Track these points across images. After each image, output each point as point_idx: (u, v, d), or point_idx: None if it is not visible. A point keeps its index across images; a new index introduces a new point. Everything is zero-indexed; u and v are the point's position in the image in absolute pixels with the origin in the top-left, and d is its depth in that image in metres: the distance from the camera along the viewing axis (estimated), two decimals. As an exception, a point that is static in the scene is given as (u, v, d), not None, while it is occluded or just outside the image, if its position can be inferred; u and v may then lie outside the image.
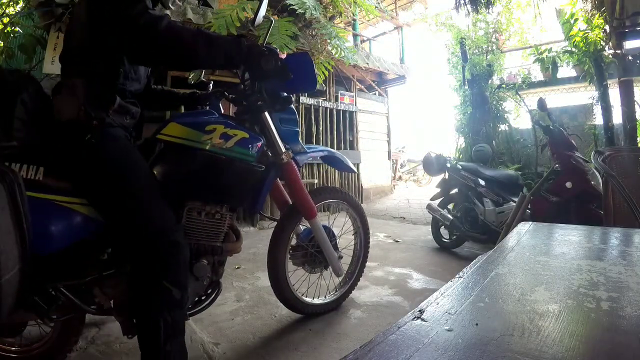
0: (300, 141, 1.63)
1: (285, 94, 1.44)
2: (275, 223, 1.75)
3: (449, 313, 0.46)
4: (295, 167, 1.55)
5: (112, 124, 1.14)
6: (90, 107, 1.07)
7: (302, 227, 1.75)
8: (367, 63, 5.92)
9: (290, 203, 1.70)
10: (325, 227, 1.72)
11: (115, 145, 1.12)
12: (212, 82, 1.77)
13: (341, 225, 2.00)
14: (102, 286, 1.18)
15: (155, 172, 1.24)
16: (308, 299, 1.82)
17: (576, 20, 3.90)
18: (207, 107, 1.57)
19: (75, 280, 1.14)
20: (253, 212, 1.50)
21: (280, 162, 1.46)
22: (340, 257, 1.78)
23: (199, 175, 1.26)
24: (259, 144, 1.37)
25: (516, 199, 2.57)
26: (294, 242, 1.75)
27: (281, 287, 1.68)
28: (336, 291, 1.95)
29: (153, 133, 1.27)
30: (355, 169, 1.99)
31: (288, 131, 1.54)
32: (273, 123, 1.45)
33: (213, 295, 1.37)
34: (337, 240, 1.81)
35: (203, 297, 1.36)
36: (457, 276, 0.60)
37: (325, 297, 1.90)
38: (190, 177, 1.26)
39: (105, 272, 1.17)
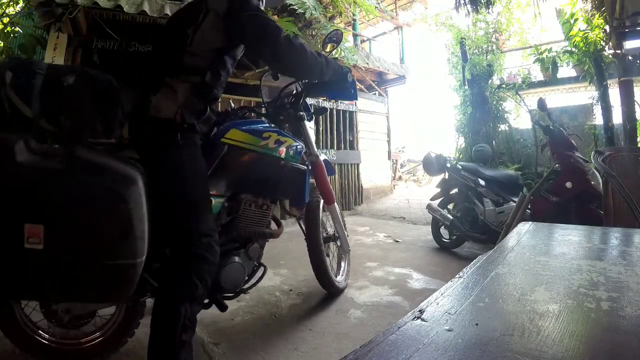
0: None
1: (322, 106, 1.79)
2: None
3: (449, 313, 0.46)
4: (324, 164, 1.88)
5: (198, 131, 1.26)
6: (186, 112, 1.20)
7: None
8: (367, 63, 5.91)
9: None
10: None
11: (196, 152, 1.25)
12: (230, 101, 2.16)
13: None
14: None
15: (220, 171, 1.42)
16: (337, 280, 2.08)
17: (576, 20, 3.90)
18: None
19: (152, 263, 1.22)
20: (301, 205, 1.81)
21: (316, 159, 1.81)
22: (347, 236, 2.11)
23: (257, 173, 1.50)
24: (301, 148, 1.69)
25: (516, 199, 2.57)
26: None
27: (324, 271, 1.94)
28: (342, 268, 2.22)
29: (213, 136, 1.43)
30: (334, 171, 2.39)
31: None
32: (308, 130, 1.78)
33: (261, 275, 1.62)
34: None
35: (246, 278, 1.54)
36: (457, 276, 0.60)
37: (339, 277, 2.15)
38: (249, 175, 1.48)
39: None
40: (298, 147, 1.65)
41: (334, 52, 1.90)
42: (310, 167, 1.78)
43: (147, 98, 1.20)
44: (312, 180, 1.92)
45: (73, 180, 0.97)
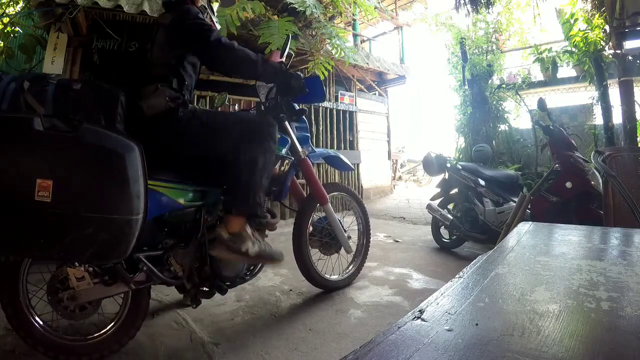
0: (310, 144, 2.08)
1: (301, 107, 1.92)
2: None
3: (449, 313, 0.46)
4: (310, 163, 1.97)
5: (188, 104, 1.53)
6: (171, 102, 1.47)
7: (316, 217, 2.15)
8: (367, 63, 5.91)
9: (305, 197, 2.11)
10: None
11: (197, 113, 1.52)
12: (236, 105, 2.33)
13: (349, 221, 2.39)
14: (176, 257, 1.46)
15: None
16: (327, 276, 2.16)
17: (576, 20, 3.90)
18: None
19: (155, 251, 1.41)
20: (279, 200, 1.92)
21: (299, 158, 1.89)
22: (349, 237, 2.16)
23: None
24: (287, 141, 1.82)
25: (516, 199, 2.57)
26: (310, 229, 2.11)
27: (305, 264, 2.02)
28: (349, 269, 2.30)
29: None
30: (353, 167, 2.49)
31: (301, 136, 1.98)
32: (291, 129, 1.88)
33: (258, 268, 1.79)
34: (345, 227, 2.19)
35: (246, 268, 1.72)
36: (457, 276, 0.60)
37: (340, 274, 2.25)
38: None
39: (178, 245, 1.46)
40: (284, 141, 1.80)
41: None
42: (296, 163, 1.91)
43: (138, 106, 1.42)
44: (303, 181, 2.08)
45: (80, 143, 1.11)
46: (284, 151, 1.81)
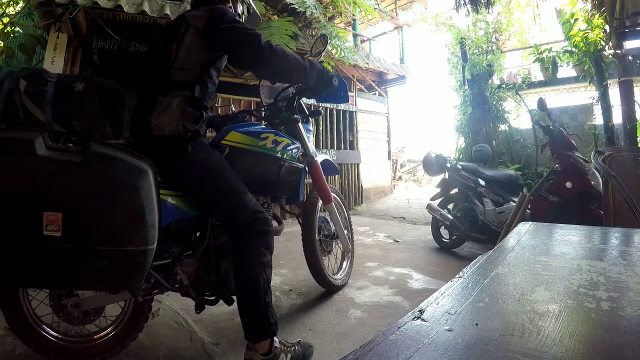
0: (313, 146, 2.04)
1: (317, 108, 1.82)
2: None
3: (449, 313, 0.46)
4: (319, 164, 1.96)
5: (202, 134, 1.36)
6: (186, 122, 1.29)
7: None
8: (367, 63, 5.90)
9: (305, 199, 2.04)
10: (322, 217, 2.13)
11: (208, 152, 1.35)
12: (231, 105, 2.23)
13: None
14: (182, 266, 1.39)
15: None
16: (333, 277, 2.15)
17: (576, 20, 3.90)
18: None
19: (162, 260, 1.32)
20: (296, 202, 1.90)
21: (311, 160, 1.89)
22: (351, 235, 2.20)
23: (256, 172, 1.57)
24: (298, 148, 1.76)
25: (516, 199, 2.57)
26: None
27: (318, 267, 2.00)
28: (344, 268, 2.31)
29: (214, 139, 1.54)
30: (339, 171, 2.51)
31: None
32: (304, 131, 1.84)
33: None
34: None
35: None
36: (457, 276, 0.61)
37: (339, 275, 2.24)
38: (250, 174, 1.52)
39: (184, 254, 1.39)
40: (295, 147, 1.73)
41: (324, 55, 1.97)
42: (306, 167, 1.86)
43: (146, 119, 1.27)
44: (309, 180, 2.04)
45: (89, 171, 1.02)
46: (294, 155, 1.72)
